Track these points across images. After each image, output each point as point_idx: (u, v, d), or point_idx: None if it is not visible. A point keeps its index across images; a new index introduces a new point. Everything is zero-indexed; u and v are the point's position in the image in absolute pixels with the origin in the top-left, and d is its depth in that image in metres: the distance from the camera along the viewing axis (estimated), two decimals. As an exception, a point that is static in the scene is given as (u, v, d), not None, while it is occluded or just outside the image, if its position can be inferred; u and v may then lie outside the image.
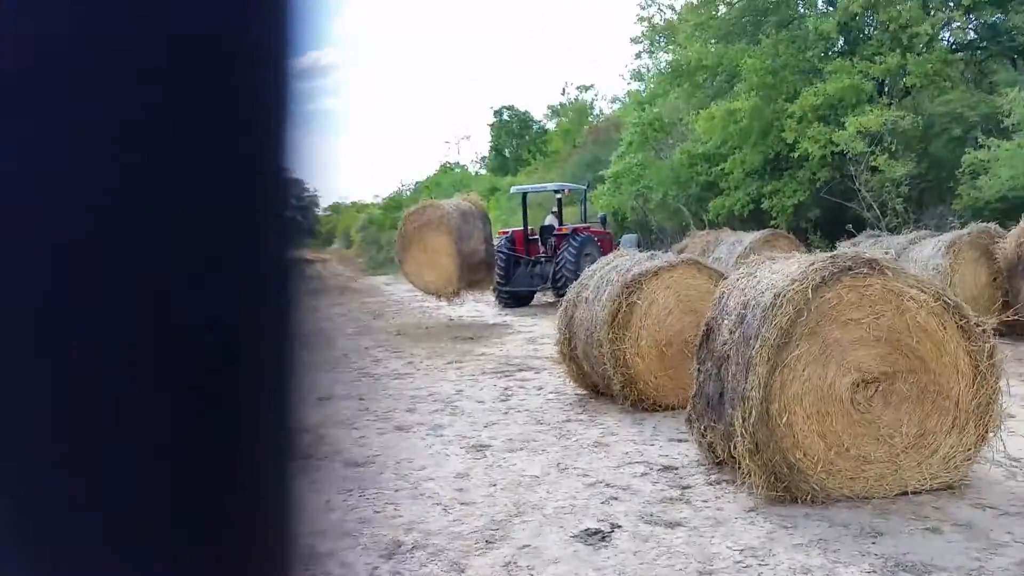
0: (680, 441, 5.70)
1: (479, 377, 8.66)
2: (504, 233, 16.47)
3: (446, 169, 51.17)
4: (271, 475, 0.63)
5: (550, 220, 16.64)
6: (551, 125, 42.95)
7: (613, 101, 41.47)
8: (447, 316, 15.27)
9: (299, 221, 0.63)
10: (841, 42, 15.43)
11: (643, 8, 28.58)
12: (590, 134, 29.64)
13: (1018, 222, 8.75)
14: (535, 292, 15.81)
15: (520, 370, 8.99)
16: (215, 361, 0.56)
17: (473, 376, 8.74)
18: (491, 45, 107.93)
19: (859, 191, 13.30)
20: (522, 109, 42.30)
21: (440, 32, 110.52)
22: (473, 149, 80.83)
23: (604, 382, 7.02)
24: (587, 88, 43.01)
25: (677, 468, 5.11)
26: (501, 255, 15.51)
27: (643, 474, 5.03)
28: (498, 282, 15.48)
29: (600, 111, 40.39)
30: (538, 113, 44.46)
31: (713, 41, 17.14)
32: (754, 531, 4.02)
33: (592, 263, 14.69)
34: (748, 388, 4.35)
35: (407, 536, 4.27)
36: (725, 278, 6.80)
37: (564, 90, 43.71)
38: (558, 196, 16.83)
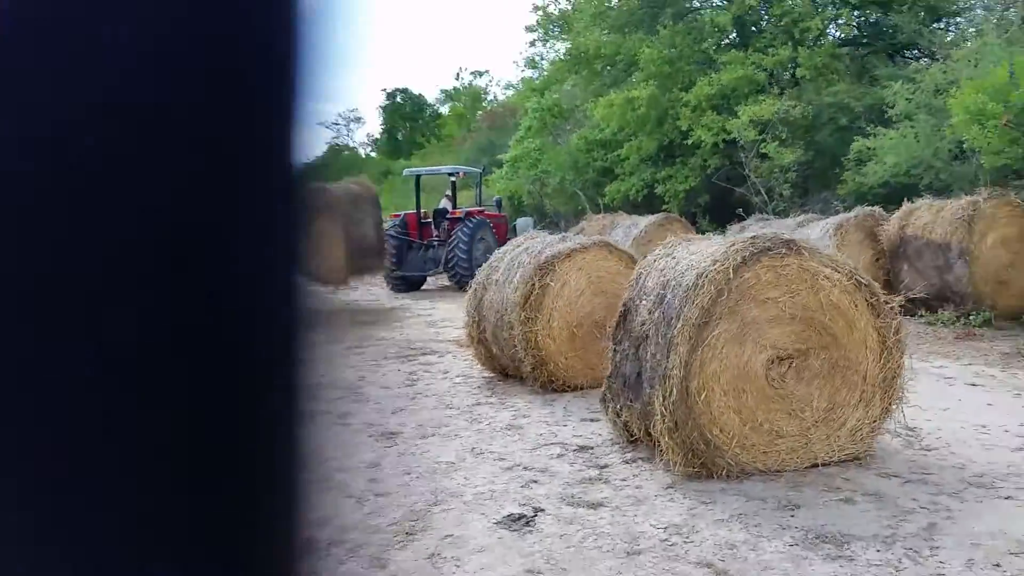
0: (592, 420, 5.67)
1: (382, 362, 8.40)
2: (396, 216, 16.12)
3: (336, 150, 50.05)
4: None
5: (444, 203, 16.45)
6: (444, 109, 42.60)
7: (507, 87, 41.57)
8: (341, 301, 14.84)
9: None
10: (735, 34, 15.91)
11: (539, -3, 28.79)
12: (485, 119, 29.51)
13: (899, 206, 9.26)
14: (427, 276, 15.60)
15: (423, 354, 8.78)
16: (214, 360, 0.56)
17: (375, 361, 8.47)
18: (383, 26, 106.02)
19: (748, 177, 13.78)
20: (416, 92, 41.70)
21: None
22: (365, 131, 79.24)
23: (514, 364, 6.92)
24: (481, 74, 42.93)
25: (592, 448, 5.07)
26: (392, 239, 15.18)
27: (559, 455, 4.96)
28: (389, 266, 15.17)
29: (495, 97, 40.34)
30: (431, 97, 43.90)
31: (608, 32, 17.32)
32: (675, 508, 4.01)
33: (486, 247, 14.81)
34: (669, 367, 4.34)
35: (321, 533, 4.02)
36: (634, 260, 6.86)
37: (458, 75, 43.18)
38: (452, 179, 16.63)
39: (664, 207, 15.21)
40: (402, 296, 14.96)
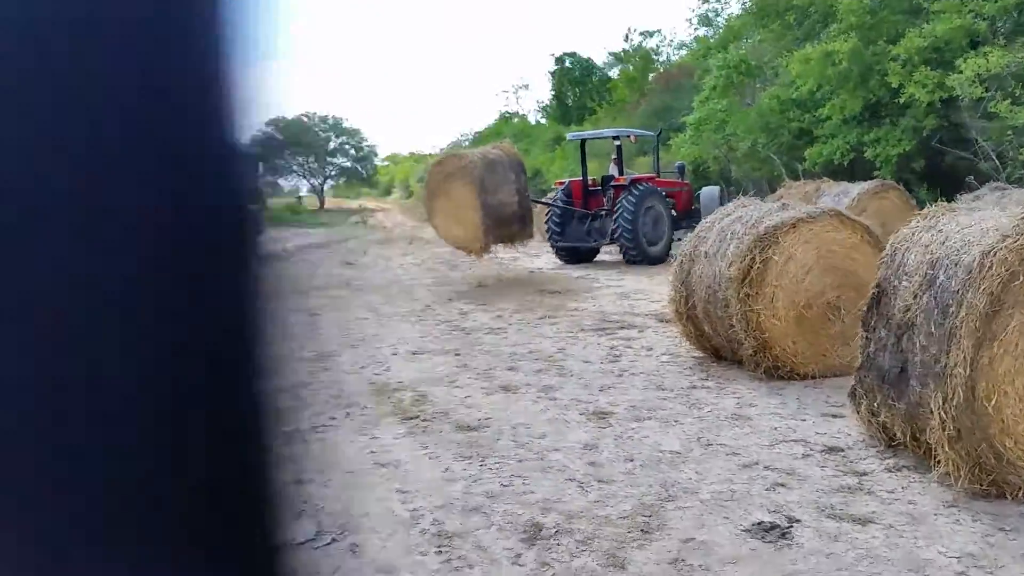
0: (835, 417, 5.08)
1: (578, 335, 8.12)
2: (560, 184, 15.50)
3: (506, 118, 50.22)
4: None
5: (612, 169, 15.65)
6: (614, 73, 41.57)
7: (680, 47, 39.85)
8: (525, 268, 14.75)
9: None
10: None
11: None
12: (659, 80, 28.38)
13: None
14: (597, 247, 14.83)
15: (622, 327, 8.42)
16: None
17: (572, 333, 8.20)
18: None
19: (975, 140, 12.20)
20: (584, 56, 40.91)
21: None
22: (534, 98, 79.08)
23: (730, 346, 6.40)
24: (652, 34, 41.20)
25: (843, 450, 4.50)
26: (555, 208, 14.68)
27: (804, 455, 4.44)
28: (552, 237, 14.72)
29: (667, 58, 38.82)
30: (600, 61, 42.95)
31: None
32: (965, 533, 3.41)
33: (656, 217, 14.00)
34: (951, 364, 3.71)
35: (545, 517, 3.79)
36: (871, 233, 6.11)
37: (627, 36, 41.79)
38: (616, 143, 15.52)
39: (876, 173, 13.84)
40: (587, 267, 14.61)
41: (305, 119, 64.88)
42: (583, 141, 16.08)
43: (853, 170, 14.35)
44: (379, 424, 5.20)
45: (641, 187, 13.94)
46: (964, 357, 3.68)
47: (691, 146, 17.43)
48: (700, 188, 16.05)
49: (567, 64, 40.46)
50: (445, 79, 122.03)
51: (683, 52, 37.63)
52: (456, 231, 12.21)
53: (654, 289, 11.19)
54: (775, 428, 4.91)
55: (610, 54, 41.90)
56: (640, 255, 13.64)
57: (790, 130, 15.56)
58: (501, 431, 4.98)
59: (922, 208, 12.38)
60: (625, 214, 13.58)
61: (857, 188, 12.47)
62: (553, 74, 41.40)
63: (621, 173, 14.78)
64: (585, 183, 14.96)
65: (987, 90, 11.64)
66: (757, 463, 4.34)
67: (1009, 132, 11.89)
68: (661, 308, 9.54)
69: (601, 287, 11.76)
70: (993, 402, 3.70)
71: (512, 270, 14.60)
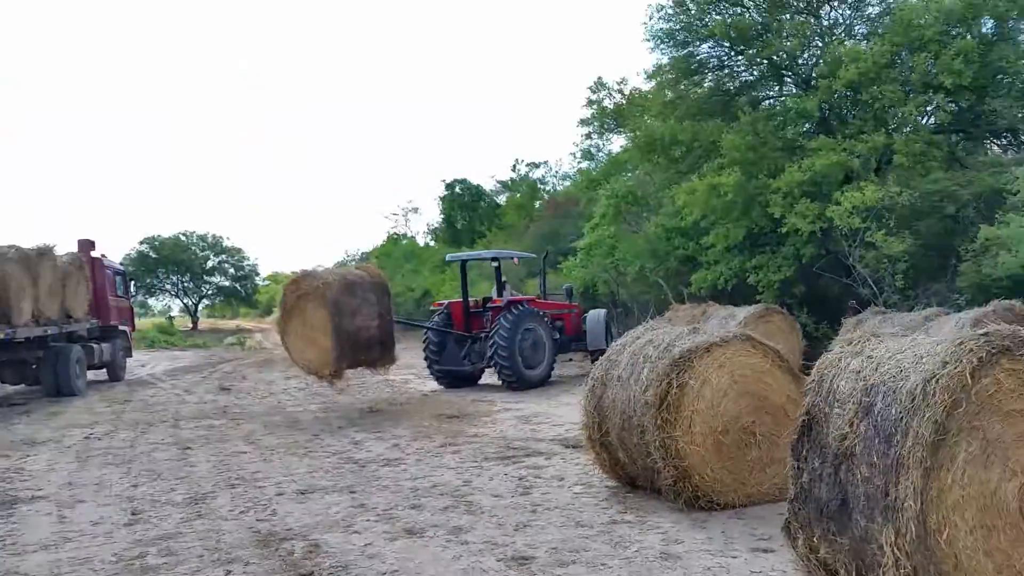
0: (766, 552, 4.79)
1: (483, 464, 7.61)
2: (439, 305, 15.12)
3: (395, 239, 50.32)
4: None
5: (508, 293, 15.28)
6: (501, 199, 42.72)
7: (564, 178, 41.62)
8: (418, 391, 14.17)
9: None
10: (820, 121, 15.36)
11: (593, 92, 29.04)
12: (548, 207, 29.26)
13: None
14: (478, 371, 14.29)
15: (528, 455, 7.97)
16: None
17: (476, 463, 7.68)
18: (438, 121, 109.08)
19: (853, 268, 12.94)
20: (474, 183, 41.96)
21: (387, 105, 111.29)
22: (423, 221, 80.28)
23: (646, 474, 6.09)
24: (537, 165, 42.94)
25: (783, 591, 4.18)
26: (432, 331, 14.26)
27: (744, 600, 4.08)
28: (429, 360, 14.27)
29: (553, 187, 40.38)
30: (488, 187, 44.19)
31: (681, 119, 16.92)
32: None
33: (535, 340, 13.46)
34: (902, 497, 3.50)
35: None
36: (782, 357, 6.07)
37: (515, 167, 43.34)
38: (495, 264, 14.99)
39: (758, 297, 14.39)
40: (482, 390, 14.18)
41: (183, 237, 63.00)
42: (463, 263, 15.66)
43: (735, 294, 14.88)
44: (267, 583, 4.48)
45: (518, 309, 13.52)
46: (914, 488, 3.49)
47: (581, 269, 17.74)
48: (588, 311, 16.13)
49: (456, 190, 41.27)
50: (332, 199, 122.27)
51: (567, 182, 39.39)
52: (308, 354, 11.44)
53: (554, 412, 10.89)
54: (708, 568, 4.55)
55: (498, 182, 43.20)
56: (517, 379, 13.17)
57: (676, 256, 16.12)
58: (411, 585, 4.37)
59: (805, 330, 12.81)
60: (500, 337, 13.07)
61: (743, 312, 12.87)
62: (443, 198, 42.05)
63: (500, 295, 14.41)
64: (466, 305, 14.44)
65: (863, 221, 12.43)
66: (700, 612, 3.93)
67: (885, 260, 12.65)
68: (565, 432, 9.22)
69: (499, 410, 11.34)
70: (945, 536, 3.50)
71: (404, 392, 13.98)
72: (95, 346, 16.75)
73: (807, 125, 15.62)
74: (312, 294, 11.20)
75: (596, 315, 15.29)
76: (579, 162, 39.38)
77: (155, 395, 15.39)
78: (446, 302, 15.05)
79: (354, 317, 11.23)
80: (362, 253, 53.72)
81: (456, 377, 14.23)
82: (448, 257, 17.33)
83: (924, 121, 14.86)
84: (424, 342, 14.45)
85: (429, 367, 14.37)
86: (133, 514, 6.12)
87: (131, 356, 20.19)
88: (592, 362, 14.79)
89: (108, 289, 18.15)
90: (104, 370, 18.23)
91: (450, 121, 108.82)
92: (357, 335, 11.26)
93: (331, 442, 9.23)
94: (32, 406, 13.68)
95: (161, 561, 4.92)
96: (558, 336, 14.62)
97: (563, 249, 25.84)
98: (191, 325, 59.62)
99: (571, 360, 17.10)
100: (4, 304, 13.23)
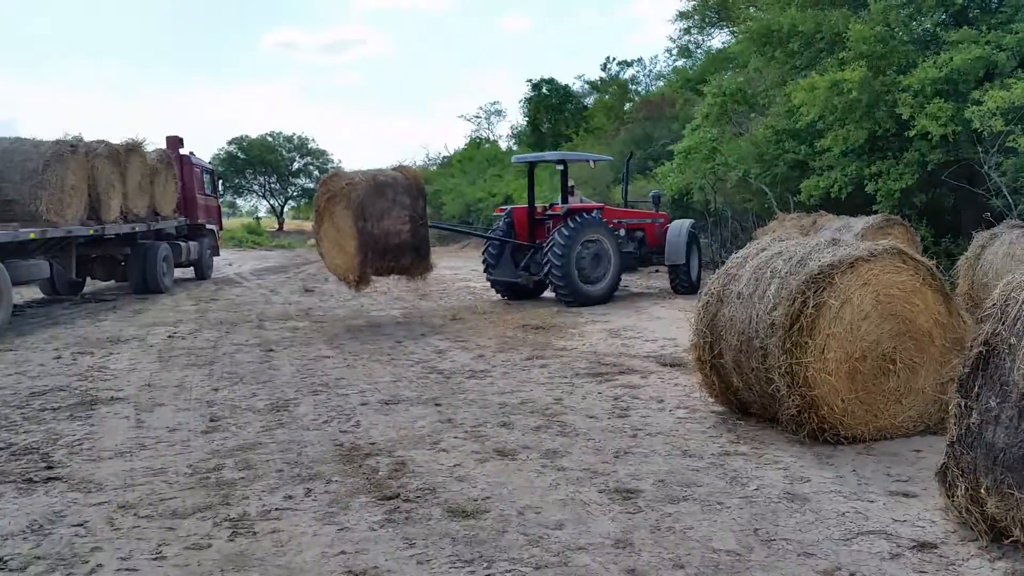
0: (907, 496, 4.13)
1: (574, 381, 7.09)
2: (501, 211, 14.03)
3: (477, 143, 49.40)
4: None
5: (577, 199, 14.26)
6: (589, 102, 41.09)
7: (658, 78, 39.55)
8: (501, 299, 13.71)
9: None
10: (961, 8, 13.53)
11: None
12: (641, 108, 27.79)
13: None
14: (537, 284, 13.01)
15: (621, 372, 7.41)
16: None
17: (566, 379, 7.17)
18: (525, 17, 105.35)
19: (989, 176, 11.55)
20: (562, 83, 40.37)
21: (470, 9, 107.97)
22: (508, 124, 78.44)
23: (761, 401, 5.44)
24: (629, 64, 40.83)
25: (936, 546, 3.53)
26: (492, 238, 13.36)
27: (893, 554, 3.45)
28: (486, 269, 13.42)
29: (647, 87, 38.50)
30: (577, 88, 42.45)
31: (803, 7, 15.25)
32: None
33: (597, 253, 12.19)
34: None
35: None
36: (935, 276, 5.22)
37: (606, 65, 41.33)
38: (560, 168, 13.57)
39: (874, 207, 13.14)
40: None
41: (269, 139, 63.70)
42: (532, 165, 14.48)
43: (847, 204, 13.66)
44: (349, 507, 4.08)
45: (580, 218, 12.36)
46: None
47: (678, 174, 16.61)
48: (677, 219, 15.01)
49: (544, 90, 39.83)
50: (415, 100, 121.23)
51: (661, 83, 37.38)
52: (337, 259, 10.90)
53: (645, 326, 10.25)
54: (842, 514, 3.92)
55: (587, 82, 41.48)
56: (573, 295, 12.12)
57: (785, 160, 14.83)
58: (506, 518, 3.90)
59: (925, 245, 11.61)
60: (556, 248, 11.98)
61: (861, 222, 11.75)
62: (529, 100, 40.74)
63: (565, 201, 13.26)
64: (531, 211, 13.33)
65: (1007, 123, 10.98)
66: (839, 568, 3.33)
67: (1026, 168, 11.25)
68: (660, 349, 8.61)
69: (586, 322, 10.77)
70: None
71: (488, 300, 13.55)
72: (182, 244, 16.90)
73: (944, 15, 13.82)
74: (339, 196, 10.56)
75: (679, 226, 13.98)
76: (675, 60, 37.32)
77: (241, 295, 15.46)
78: (509, 207, 13.94)
79: (381, 220, 10.51)
80: (443, 157, 53.13)
81: (514, 288, 13.31)
82: (514, 159, 16.22)
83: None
84: (483, 249, 13.68)
85: (486, 277, 13.67)
86: (212, 420, 5.87)
87: (218, 255, 20.45)
88: (670, 278, 13.91)
89: (196, 187, 18.20)
90: (191, 268, 18.51)
91: (538, 16, 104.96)
92: (385, 239, 10.56)
93: (414, 349, 8.88)
94: (119, 303, 13.90)
95: (238, 475, 4.61)
96: (634, 248, 13.64)
97: (654, 153, 24.57)
98: (277, 226, 60.97)
99: (658, 271, 16.22)
100: (94, 200, 13.30)
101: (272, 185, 64.97)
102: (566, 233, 12.05)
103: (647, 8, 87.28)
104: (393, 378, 7.34)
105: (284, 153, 64.72)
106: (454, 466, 4.73)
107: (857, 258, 5.01)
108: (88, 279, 15.51)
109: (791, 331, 4.92)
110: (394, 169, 11.24)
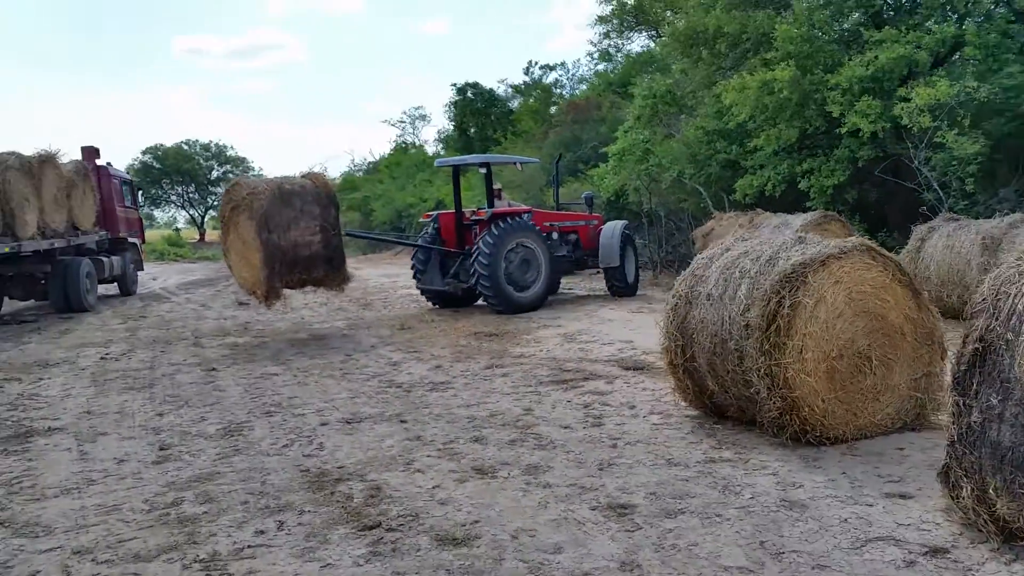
0: (903, 497, 4.10)
1: (540, 389, 6.92)
2: (428, 217, 13.52)
3: (403, 148, 48.82)
4: None
5: (505, 203, 13.88)
6: (514, 105, 41.12)
7: (580, 82, 39.90)
8: (448, 308, 13.42)
9: None
10: (883, 8, 13.98)
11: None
12: (568, 111, 27.89)
13: None
14: (461, 291, 12.56)
15: (586, 378, 7.28)
16: None
17: (531, 388, 7.00)
18: (443, 22, 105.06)
19: (919, 171, 11.93)
20: (486, 87, 40.28)
21: (392, 9, 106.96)
22: (433, 129, 77.80)
23: (739, 404, 5.38)
24: (552, 68, 41.07)
25: (948, 551, 3.48)
26: (418, 245, 13.01)
27: (907, 562, 3.39)
28: (416, 277, 13.08)
29: (570, 91, 38.80)
30: (501, 92, 42.41)
31: (727, 9, 15.51)
32: None
33: (526, 259, 11.81)
34: None
35: None
36: (903, 271, 5.26)
37: (528, 70, 41.50)
38: (483, 171, 13.09)
39: (808, 204, 13.43)
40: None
41: (185, 147, 61.64)
42: (456, 168, 13.81)
43: (781, 201, 13.94)
44: (328, 540, 3.80)
45: (505, 223, 11.88)
46: None
47: (613, 176, 16.66)
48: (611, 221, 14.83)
49: (468, 94, 39.65)
50: (333, 106, 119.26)
51: (583, 86, 37.70)
52: (244, 272, 10.38)
53: (598, 329, 10.18)
54: (844, 520, 3.86)
55: (510, 86, 41.50)
56: (502, 303, 11.76)
57: (717, 161, 15.04)
58: (500, 544, 3.69)
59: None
60: (481, 256, 11.57)
61: (799, 219, 11.97)
62: (454, 104, 40.48)
63: (491, 205, 12.82)
64: (459, 217, 12.80)
65: (933, 119, 11.35)
66: (857, 580, 3.25)
67: (954, 163, 11.65)
68: (619, 353, 8.54)
69: (539, 328, 10.63)
70: None
71: (433, 309, 13.27)
72: (105, 259, 16.04)
73: (864, 17, 14.25)
74: (242, 206, 10.00)
75: (612, 228, 13.55)
76: (596, 64, 37.72)
77: (171, 311, 14.75)
78: (435, 213, 13.51)
79: (288, 231, 9.96)
80: (369, 163, 52.35)
81: (443, 297, 12.92)
82: (437, 162, 15.89)
83: (996, 9, 13.53)
84: (412, 258, 13.24)
85: (416, 285, 13.27)
86: (162, 449, 5.46)
87: (142, 269, 19.52)
88: (606, 280, 13.68)
89: (116, 199, 17.31)
90: (115, 284, 17.59)
91: (456, 22, 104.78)
92: (294, 251, 10.03)
93: (367, 363, 8.56)
94: (42, 323, 13.07)
95: (200, 510, 4.26)
96: (568, 251, 13.35)
97: (583, 155, 24.69)
98: (198, 237, 59.02)
99: (599, 273, 16.20)
100: (7, 216, 12.45)
101: (191, 195, 62.95)
102: (490, 240, 11.67)
103: (562, 13, 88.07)
104: (350, 394, 7.02)
105: (202, 161, 62.80)
106: (433, 488, 4.49)
107: (828, 255, 4.99)
108: (5, 299, 14.53)
109: (768, 332, 4.87)
110: (303, 176, 10.68)
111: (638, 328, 9.95)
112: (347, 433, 5.74)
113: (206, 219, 63.81)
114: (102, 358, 9.45)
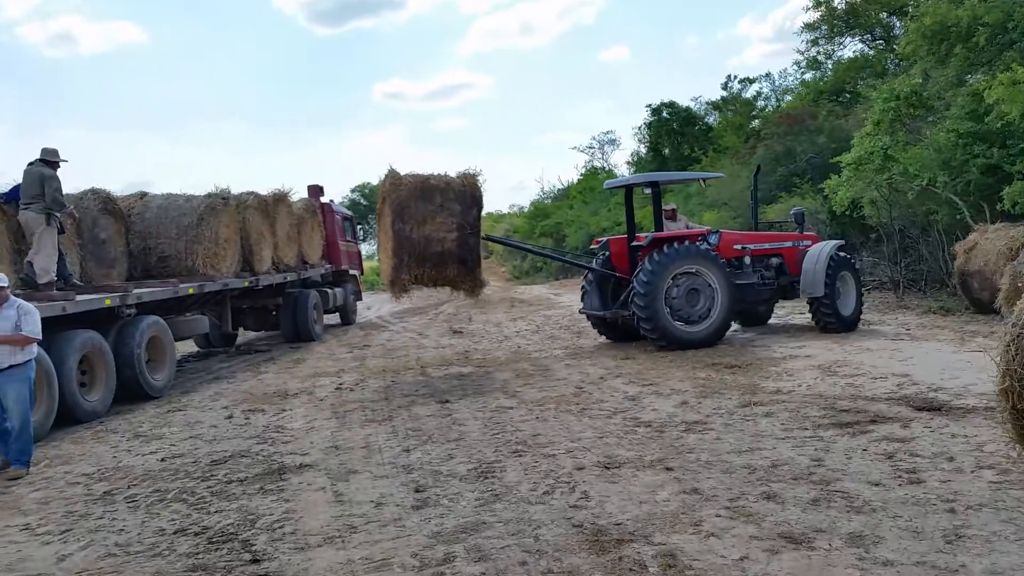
0: None
1: (819, 433, 5.94)
2: (598, 242, 12.48)
3: (593, 173, 48.52)
4: None
5: (678, 223, 12.42)
6: (710, 120, 39.60)
7: (785, 93, 37.73)
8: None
9: None
10: None
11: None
12: (780, 123, 26.14)
13: None
14: (621, 319, 11.42)
15: (872, 421, 6.20)
16: None
17: (807, 430, 6.04)
18: (624, 49, 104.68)
19: None
20: (683, 105, 39.03)
21: (572, 43, 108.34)
22: (625, 153, 76.90)
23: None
24: (752, 81, 39.09)
25: None
26: (590, 270, 12.04)
27: None
28: (583, 301, 12.14)
29: (774, 103, 36.78)
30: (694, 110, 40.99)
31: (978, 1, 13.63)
32: None
33: (694, 288, 10.34)
34: None
35: None
36: None
37: (727, 84, 39.76)
38: (647, 191, 12.04)
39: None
40: (747, 329, 12.16)
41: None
42: (628, 189, 12.55)
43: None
44: (642, 627, 3.16)
45: (669, 248, 10.66)
46: None
47: (848, 187, 15.06)
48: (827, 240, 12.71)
49: (664, 115, 38.63)
50: (519, 138, 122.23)
51: (788, 98, 35.55)
52: (384, 262, 10.30)
53: (858, 360, 8.95)
54: None
55: (706, 103, 40.00)
56: (663, 337, 10.57)
57: (977, 166, 13.12)
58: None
59: None
60: (639, 284, 10.50)
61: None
62: (648, 125, 39.62)
63: (659, 227, 11.56)
64: (630, 241, 11.71)
65: None
66: None
67: None
68: (899, 389, 7.36)
69: (783, 357, 9.56)
70: None
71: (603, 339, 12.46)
72: (329, 291, 16.77)
73: None
74: (387, 196, 9.91)
75: (819, 249, 11.60)
76: (803, 73, 35.46)
77: (390, 339, 15.06)
78: (605, 239, 12.46)
79: (423, 225, 9.69)
80: (558, 190, 52.54)
81: (606, 325, 11.89)
82: (606, 184, 14.55)
83: None
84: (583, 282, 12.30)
85: (579, 309, 12.35)
86: (417, 491, 5.12)
87: (361, 300, 20.34)
88: (811, 313, 11.66)
89: (338, 234, 18.14)
90: (336, 314, 18.38)
91: (635, 48, 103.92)
92: (425, 245, 9.69)
93: (601, 396, 7.95)
94: (275, 352, 13.72)
95: (476, 570, 3.78)
96: (768, 278, 11.57)
97: (797, 169, 22.94)
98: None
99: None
100: (246, 252, 13.23)
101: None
102: (649, 268, 10.53)
103: (748, 29, 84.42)
104: (596, 433, 6.42)
105: (404, 196, 66.13)
106: (741, 560, 3.74)
107: None
108: (240, 330, 15.53)
109: None
110: (459, 175, 10.16)
111: (910, 359, 8.64)
112: (609, 480, 5.12)
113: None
114: (337, 388, 9.56)
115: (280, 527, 4.64)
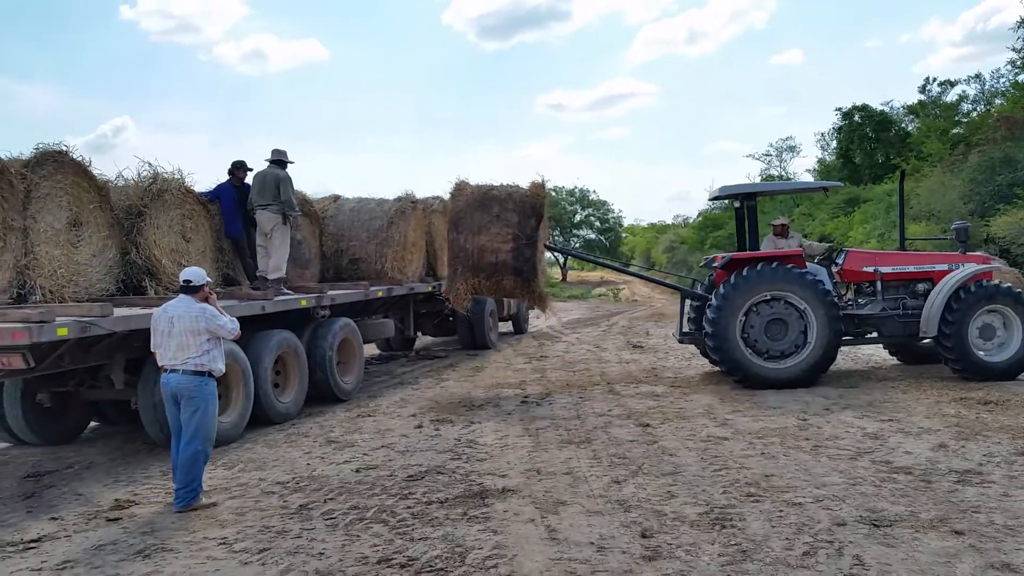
0: None
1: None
2: (719, 259, 10.16)
3: (770, 181, 45.96)
4: None
5: (794, 242, 10.65)
6: (907, 126, 36.25)
7: (995, 95, 33.89)
8: (884, 360, 11.17)
9: None
10: None
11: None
12: (999, 127, 23.28)
13: None
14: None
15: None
16: None
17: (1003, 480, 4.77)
18: (797, 53, 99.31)
19: None
20: (877, 109, 35.97)
21: (741, 49, 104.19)
22: (807, 158, 72.61)
23: None
24: (953, 84, 35.37)
25: None
26: (693, 292, 10.65)
27: None
28: (688, 327, 10.72)
29: (983, 106, 33.17)
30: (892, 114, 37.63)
31: None
32: None
33: (781, 317, 8.84)
34: None
35: None
36: None
37: (925, 87, 36.23)
38: (737, 205, 10.67)
39: None
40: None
41: (553, 192, 65.22)
42: (743, 198, 10.39)
43: None
44: None
45: (748, 272, 9.23)
46: None
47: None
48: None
49: (855, 119, 35.82)
50: (685, 145, 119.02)
51: (998, 101, 31.92)
52: (445, 271, 10.46)
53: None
54: None
55: (902, 107, 36.73)
56: (738, 372, 9.22)
57: None
58: None
59: None
60: (710, 312, 9.33)
61: None
62: (838, 130, 36.92)
63: (755, 246, 9.98)
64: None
65: None
66: None
67: None
68: None
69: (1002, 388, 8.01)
70: None
71: (868, 361, 11.07)
72: (504, 299, 16.42)
73: None
74: (449, 205, 9.90)
75: (952, 277, 9.44)
76: (1019, 74, 31.70)
77: (567, 351, 14.46)
78: (711, 256, 10.86)
79: (478, 235, 9.50)
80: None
81: (693, 341, 10.66)
82: (711, 194, 12.16)
83: None
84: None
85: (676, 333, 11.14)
86: (644, 537, 4.39)
87: (532, 309, 19.94)
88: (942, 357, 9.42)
89: (514, 240, 17.79)
90: (508, 322, 18.06)
91: (809, 51, 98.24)
92: (479, 255, 9.49)
93: (833, 432, 6.88)
94: (452, 359, 13.49)
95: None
96: (911, 308, 9.54)
97: (1018, 179, 20.25)
98: (561, 277, 61.70)
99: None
100: (430, 256, 13.07)
101: (556, 237, 66.24)
102: (721, 292, 9.26)
103: (935, 31, 77.28)
104: (846, 479, 5.42)
105: (567, 206, 65.84)
106: None
107: None
108: (419, 334, 15.50)
109: None
110: (531, 185, 9.67)
111: None
112: (884, 543, 4.16)
113: (566, 259, 66.76)
114: (523, 401, 9.05)
115: (494, 566, 4.07)
